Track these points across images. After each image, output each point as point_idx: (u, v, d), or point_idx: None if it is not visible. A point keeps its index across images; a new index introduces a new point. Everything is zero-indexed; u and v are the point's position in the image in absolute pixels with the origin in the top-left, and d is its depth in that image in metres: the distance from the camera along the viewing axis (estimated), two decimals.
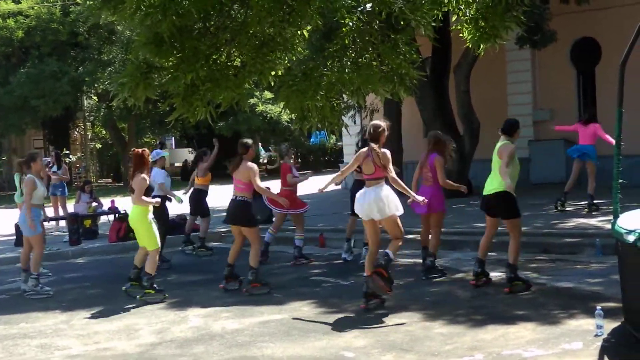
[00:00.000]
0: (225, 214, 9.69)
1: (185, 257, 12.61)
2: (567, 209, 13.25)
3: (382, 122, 8.05)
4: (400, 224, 7.97)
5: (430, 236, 9.61)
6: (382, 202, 7.76)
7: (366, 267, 8.00)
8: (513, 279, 8.22)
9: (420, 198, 8.23)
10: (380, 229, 8.10)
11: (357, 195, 8.06)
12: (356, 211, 8.18)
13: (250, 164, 9.33)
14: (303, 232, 11.33)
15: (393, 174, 7.87)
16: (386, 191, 7.83)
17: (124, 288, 9.19)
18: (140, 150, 9.55)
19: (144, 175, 9.21)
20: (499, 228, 8.74)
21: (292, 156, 12.00)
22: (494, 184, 8.35)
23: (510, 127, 8.54)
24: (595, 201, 12.82)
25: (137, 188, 9.09)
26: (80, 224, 14.97)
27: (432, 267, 9.52)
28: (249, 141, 9.56)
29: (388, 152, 7.91)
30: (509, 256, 8.31)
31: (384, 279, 7.73)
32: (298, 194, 11.49)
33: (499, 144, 8.43)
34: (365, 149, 8.03)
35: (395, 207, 7.84)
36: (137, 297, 9.00)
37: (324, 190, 8.53)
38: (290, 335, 7.01)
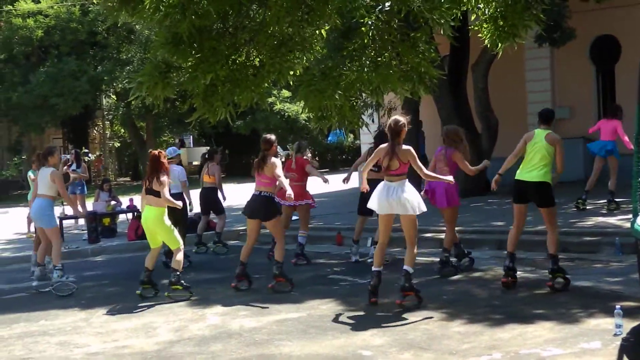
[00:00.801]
0: (244, 207, 9.59)
1: (203, 256, 12.66)
2: (587, 207, 13.15)
3: (402, 118, 7.98)
4: (417, 225, 7.98)
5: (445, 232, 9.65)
6: (406, 202, 7.75)
7: (375, 260, 8.04)
8: (555, 271, 8.17)
9: (450, 177, 8.35)
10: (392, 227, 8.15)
11: (378, 189, 7.98)
12: (376, 206, 8.04)
13: (273, 159, 9.37)
14: (307, 230, 11.30)
15: (424, 170, 7.93)
16: (409, 188, 7.83)
17: (137, 292, 9.20)
18: (157, 152, 9.49)
19: (164, 175, 9.22)
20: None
21: (309, 154, 11.95)
22: (534, 173, 8.26)
23: (549, 116, 8.55)
24: (616, 199, 12.70)
25: (163, 187, 9.07)
26: (99, 223, 15.08)
27: (447, 262, 9.51)
28: (272, 137, 9.52)
29: (412, 149, 7.88)
30: (549, 247, 8.28)
31: (412, 296, 7.82)
32: (312, 192, 11.49)
33: (542, 132, 8.32)
34: (385, 145, 7.99)
35: (419, 204, 7.85)
36: (165, 294, 9.04)
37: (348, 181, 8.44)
38: (308, 334, 7.03)
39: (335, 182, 12.56)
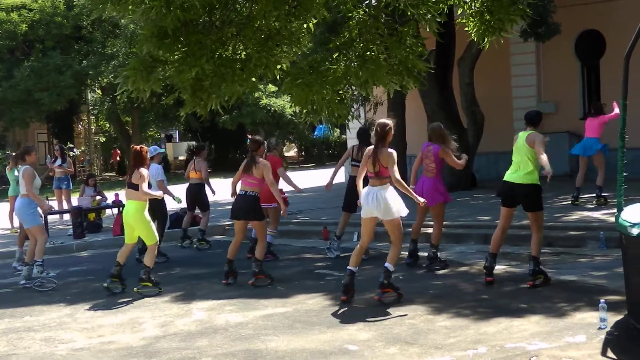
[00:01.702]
0: (231, 208, 9.60)
1: (189, 251, 12.63)
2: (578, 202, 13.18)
3: (389, 121, 7.93)
4: (401, 227, 7.91)
5: (432, 228, 9.64)
6: (387, 206, 7.69)
7: (352, 260, 7.93)
8: (537, 272, 8.18)
9: (421, 200, 8.11)
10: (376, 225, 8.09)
11: (363, 192, 7.92)
12: (362, 212, 8.02)
13: (263, 160, 9.39)
14: (276, 229, 11.19)
15: (396, 175, 7.66)
16: (391, 193, 7.75)
17: (105, 285, 9.24)
18: (138, 147, 9.49)
19: (145, 169, 9.22)
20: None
21: (282, 151, 11.93)
22: (520, 174, 8.25)
23: (536, 117, 8.54)
24: (604, 194, 12.75)
25: (142, 181, 9.05)
26: (84, 218, 15.01)
27: (435, 258, 9.53)
28: (260, 138, 9.64)
29: (394, 153, 7.76)
30: (532, 249, 8.26)
31: (392, 293, 7.80)
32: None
33: (524, 134, 8.34)
34: (371, 147, 7.93)
35: (398, 210, 7.78)
36: (134, 289, 9.05)
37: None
38: (294, 329, 7.02)
39: (321, 177, 12.52)
